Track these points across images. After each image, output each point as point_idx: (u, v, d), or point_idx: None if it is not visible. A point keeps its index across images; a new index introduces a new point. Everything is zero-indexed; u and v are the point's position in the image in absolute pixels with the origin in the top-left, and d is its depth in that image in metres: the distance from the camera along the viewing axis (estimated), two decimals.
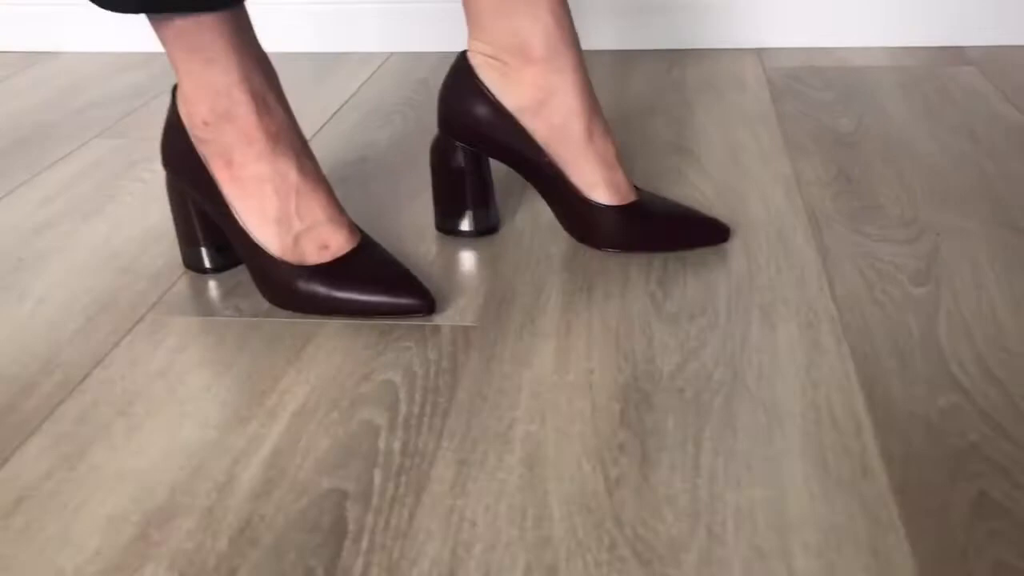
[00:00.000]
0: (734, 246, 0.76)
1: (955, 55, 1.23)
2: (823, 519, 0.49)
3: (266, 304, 0.71)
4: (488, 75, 0.72)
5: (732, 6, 1.28)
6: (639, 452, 0.54)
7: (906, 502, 0.49)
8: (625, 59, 1.29)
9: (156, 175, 0.97)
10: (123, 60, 1.39)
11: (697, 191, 0.87)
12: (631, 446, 0.54)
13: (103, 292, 0.74)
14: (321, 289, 0.68)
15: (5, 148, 1.07)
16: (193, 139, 0.70)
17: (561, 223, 0.77)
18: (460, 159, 0.76)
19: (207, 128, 0.68)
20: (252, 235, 0.69)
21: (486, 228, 0.80)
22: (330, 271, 0.69)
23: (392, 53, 1.37)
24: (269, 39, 1.33)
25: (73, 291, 0.75)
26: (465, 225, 0.79)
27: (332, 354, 0.65)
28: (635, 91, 1.16)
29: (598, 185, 0.73)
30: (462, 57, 0.73)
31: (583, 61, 0.71)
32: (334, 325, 0.68)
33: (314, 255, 0.69)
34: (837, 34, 1.28)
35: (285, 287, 0.69)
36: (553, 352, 0.64)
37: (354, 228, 0.71)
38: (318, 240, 0.69)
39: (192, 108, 0.68)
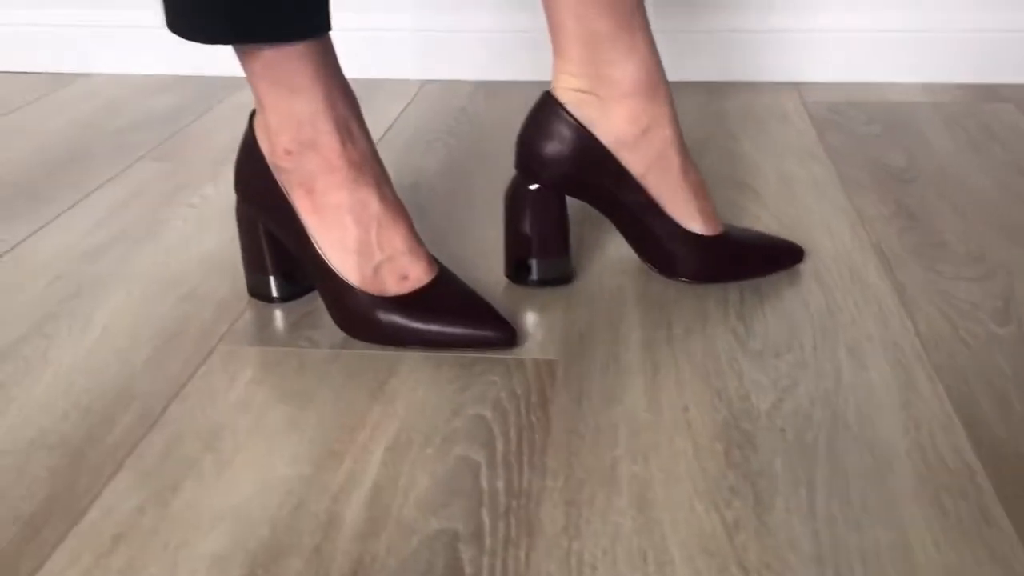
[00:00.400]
0: (808, 280, 0.76)
1: (989, 92, 1.24)
2: (952, 566, 0.48)
3: (340, 335, 0.70)
4: (583, 111, 0.69)
5: (769, 40, 1.29)
6: (751, 494, 0.53)
7: None
8: None
9: (206, 200, 0.95)
10: (154, 82, 1.38)
11: (761, 224, 0.86)
12: (742, 488, 0.53)
13: (169, 321, 0.73)
14: (401, 320, 0.67)
15: (47, 171, 1.05)
16: (272, 168, 0.68)
17: (643, 256, 0.76)
18: (544, 203, 0.73)
19: (290, 157, 0.67)
20: (331, 264, 0.68)
21: (566, 276, 0.77)
22: (410, 302, 0.68)
23: (426, 81, 1.36)
24: None
25: (137, 319, 0.73)
26: (548, 272, 0.76)
27: (416, 388, 0.63)
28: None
29: (695, 216, 0.73)
30: (548, 95, 0.70)
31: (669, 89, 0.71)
32: (413, 358, 0.67)
33: (394, 286, 0.68)
34: (873, 69, 1.29)
35: (364, 318, 0.68)
36: (643, 389, 0.63)
37: (432, 259, 0.70)
38: (398, 271, 0.68)
39: (275, 138, 0.67)
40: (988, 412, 0.59)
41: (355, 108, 0.68)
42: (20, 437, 0.60)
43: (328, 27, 0.65)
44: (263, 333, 0.71)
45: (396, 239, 0.68)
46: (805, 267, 0.78)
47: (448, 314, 0.68)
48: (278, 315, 0.74)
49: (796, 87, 1.28)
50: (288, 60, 0.64)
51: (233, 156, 0.72)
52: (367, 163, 0.68)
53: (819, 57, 1.29)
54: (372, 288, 0.68)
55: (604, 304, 0.74)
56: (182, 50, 1.39)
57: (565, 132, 0.69)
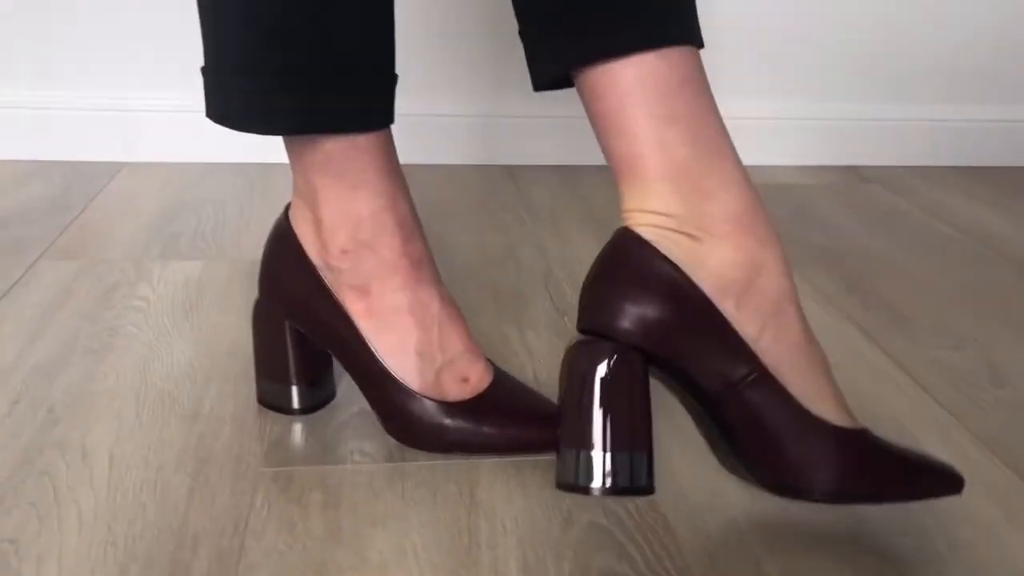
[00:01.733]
0: None
1: (854, 173, 1.38)
2: None
3: (393, 445, 0.64)
4: (674, 251, 0.52)
5: None
6: None
7: None
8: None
9: (150, 303, 0.85)
10: (11, 169, 1.23)
11: None
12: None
13: (184, 445, 0.64)
14: (470, 426, 0.63)
15: None
16: (320, 268, 0.63)
17: (750, 462, 0.54)
18: (630, 375, 0.53)
19: (345, 257, 0.62)
20: (391, 370, 0.63)
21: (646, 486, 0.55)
22: (477, 406, 0.64)
23: None
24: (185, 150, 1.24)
25: (146, 446, 0.64)
26: (621, 477, 0.53)
27: (511, 498, 0.60)
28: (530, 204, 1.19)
29: (825, 398, 0.54)
30: (627, 232, 0.53)
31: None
32: (486, 465, 0.63)
33: (455, 390, 0.64)
34: (756, 153, 1.39)
35: (430, 425, 0.63)
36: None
37: (487, 359, 0.67)
38: (459, 374, 0.64)
39: (329, 236, 0.61)
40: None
41: (412, 204, 0.64)
42: None
43: (392, 119, 0.61)
44: (309, 451, 0.64)
45: (456, 340, 0.64)
46: None
47: (517, 416, 0.64)
48: (310, 429, 0.67)
49: None
50: (353, 153, 0.60)
51: (151, 252, 0.65)
52: (425, 261, 0.64)
53: None
54: (434, 393, 0.63)
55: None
56: (29, 133, 1.25)
57: (659, 275, 0.52)
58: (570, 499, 0.60)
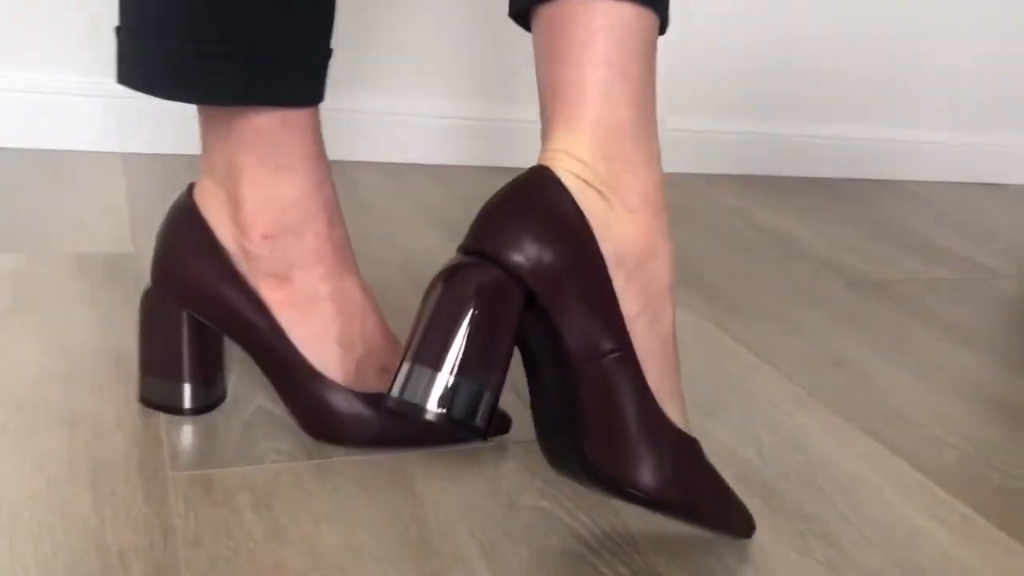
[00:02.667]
0: None
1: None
2: (967, 554, 0.59)
3: (309, 443, 0.61)
4: (587, 204, 0.48)
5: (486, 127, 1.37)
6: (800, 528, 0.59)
7: (1012, 534, 0.62)
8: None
9: None
10: None
11: None
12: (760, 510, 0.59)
13: (72, 453, 0.57)
14: (393, 417, 0.61)
15: None
16: (233, 254, 0.58)
17: (580, 436, 0.49)
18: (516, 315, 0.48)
19: (265, 242, 0.58)
20: (311, 361, 0.60)
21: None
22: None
23: (128, 153, 1.20)
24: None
25: (33, 456, 0.56)
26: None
27: (447, 488, 0.59)
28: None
29: (674, 399, 0.53)
30: (545, 171, 0.49)
31: None
32: (414, 458, 0.61)
33: (376, 381, 0.61)
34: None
35: (352, 417, 0.61)
36: None
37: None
38: (379, 363, 0.62)
39: (250, 220, 0.57)
40: (894, 434, 0.73)
41: (335, 188, 0.61)
42: None
43: (323, 96, 0.58)
44: (218, 453, 0.59)
45: (376, 330, 0.62)
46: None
47: None
48: (211, 430, 0.62)
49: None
50: (286, 132, 0.56)
51: None
52: (346, 248, 0.62)
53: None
54: (355, 384, 0.61)
55: None
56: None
57: (569, 221, 0.48)
58: (508, 484, 0.60)
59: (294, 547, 0.51)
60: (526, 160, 0.51)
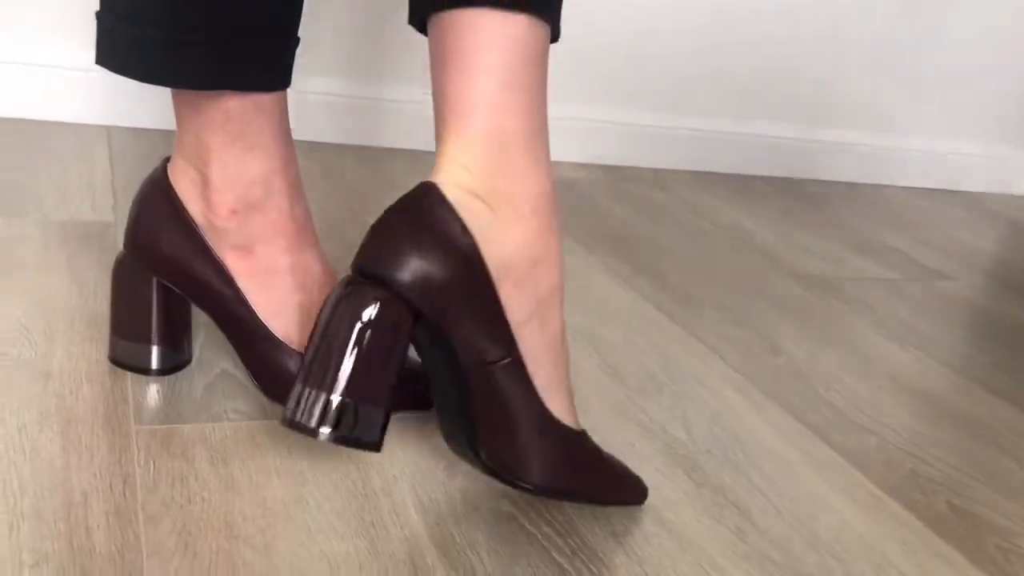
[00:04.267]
0: (611, 330, 0.90)
1: (622, 173, 1.52)
2: (879, 534, 0.64)
3: (265, 404, 0.66)
4: (471, 219, 0.50)
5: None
6: (735, 509, 0.64)
7: (925, 521, 0.67)
8: None
9: None
10: None
11: None
12: (727, 505, 0.64)
13: (45, 403, 0.61)
14: None
15: None
16: (201, 227, 0.63)
17: (474, 434, 0.54)
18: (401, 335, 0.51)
19: (232, 217, 0.62)
20: (271, 328, 0.64)
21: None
22: None
23: (115, 127, 1.24)
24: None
25: (10, 404, 0.60)
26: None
27: (393, 451, 0.63)
28: None
29: (562, 397, 0.56)
30: (430, 187, 0.51)
31: None
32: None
33: None
34: None
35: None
36: None
37: None
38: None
39: (217, 196, 0.62)
40: (814, 420, 0.78)
41: (298, 168, 0.66)
42: None
43: (289, 82, 0.63)
44: (180, 410, 0.63)
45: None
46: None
47: None
48: (175, 389, 0.66)
49: None
50: (253, 114, 0.60)
51: None
52: (308, 225, 0.66)
53: None
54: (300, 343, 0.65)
55: None
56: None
57: (452, 239, 0.50)
58: (449, 452, 0.64)
59: (245, 496, 0.56)
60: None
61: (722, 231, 1.30)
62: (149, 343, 0.66)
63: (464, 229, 0.50)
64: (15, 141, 1.13)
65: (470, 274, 0.50)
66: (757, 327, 0.96)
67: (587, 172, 1.48)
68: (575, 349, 0.81)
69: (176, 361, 0.68)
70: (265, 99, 0.60)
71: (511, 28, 0.51)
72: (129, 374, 0.66)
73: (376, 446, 0.50)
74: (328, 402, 0.49)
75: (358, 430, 0.50)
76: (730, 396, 0.80)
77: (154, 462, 0.57)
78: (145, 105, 1.24)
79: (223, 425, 0.63)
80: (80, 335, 0.70)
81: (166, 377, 0.67)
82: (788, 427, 0.76)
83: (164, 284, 0.65)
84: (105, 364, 0.67)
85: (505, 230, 0.52)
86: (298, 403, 0.49)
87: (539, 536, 0.57)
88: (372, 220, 0.52)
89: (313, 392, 0.49)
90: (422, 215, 0.50)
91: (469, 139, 0.51)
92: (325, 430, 0.49)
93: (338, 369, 0.49)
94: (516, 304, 0.53)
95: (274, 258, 0.64)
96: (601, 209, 1.29)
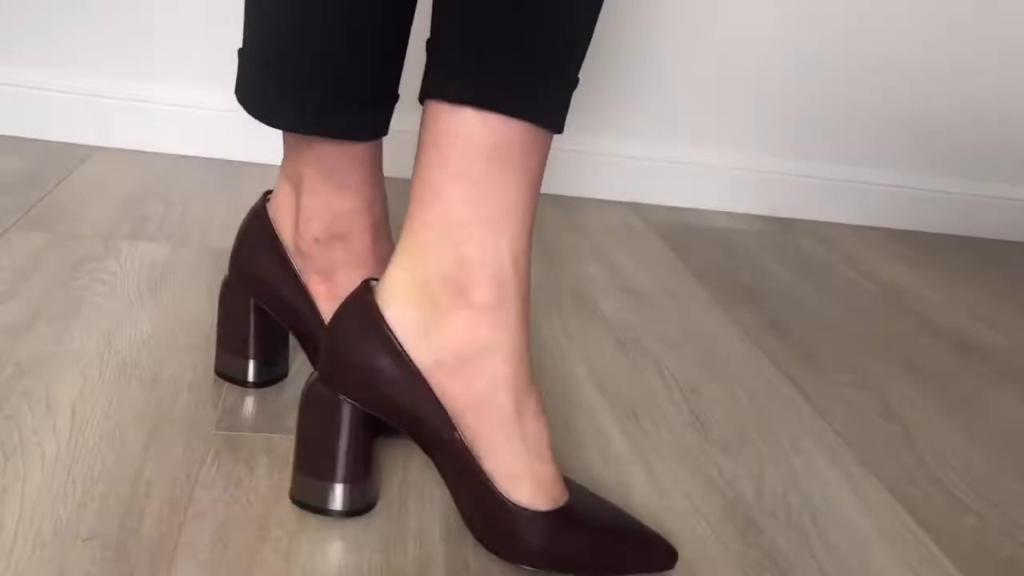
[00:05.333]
0: (728, 380, 0.87)
1: (784, 224, 1.47)
2: None
3: None
4: (402, 322, 0.55)
5: (608, 163, 1.44)
6: (776, 569, 0.61)
7: None
8: None
9: (116, 278, 0.90)
10: None
11: (660, 342, 0.97)
12: (766, 563, 0.62)
13: (143, 406, 0.69)
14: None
15: None
16: (290, 251, 0.69)
17: (467, 523, 0.58)
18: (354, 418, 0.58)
19: (316, 245, 0.68)
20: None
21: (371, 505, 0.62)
22: None
23: None
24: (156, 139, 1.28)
25: (106, 403, 0.69)
26: (355, 503, 0.61)
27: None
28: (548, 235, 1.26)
29: (521, 480, 0.56)
30: (366, 289, 0.57)
31: (529, 317, 0.57)
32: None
33: None
34: (693, 196, 1.48)
35: None
36: None
37: None
38: None
39: (304, 223, 0.68)
40: (917, 491, 0.73)
41: (386, 209, 0.70)
42: (43, 532, 0.55)
43: (386, 132, 0.67)
44: (258, 420, 0.70)
45: None
46: (723, 370, 0.90)
47: None
48: (262, 401, 0.72)
49: (633, 207, 1.44)
50: (344, 158, 0.66)
51: (120, 231, 0.71)
52: (388, 261, 0.70)
53: (654, 183, 1.46)
54: None
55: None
56: (11, 111, 1.29)
57: (377, 344, 0.55)
58: None
59: (287, 504, 0.60)
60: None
61: (878, 288, 1.23)
62: (246, 357, 0.73)
63: (387, 332, 0.55)
64: (206, 177, 1.27)
65: (397, 375, 0.55)
66: (878, 391, 0.91)
67: (750, 223, 1.45)
68: (676, 403, 0.81)
69: (271, 375, 0.75)
70: (358, 146, 0.66)
71: (469, 125, 0.52)
72: (227, 385, 0.74)
73: (369, 509, 0.61)
74: (333, 489, 0.59)
75: (355, 504, 0.60)
76: (818, 458, 0.76)
77: (218, 465, 0.63)
78: None
79: (290, 437, 0.68)
80: (196, 348, 0.78)
81: (260, 389, 0.74)
82: (876, 498, 0.71)
83: (260, 304, 0.71)
84: (209, 375, 0.75)
85: (440, 321, 0.55)
86: (308, 489, 0.60)
87: None
88: None
89: (318, 481, 0.60)
90: (354, 322, 0.57)
91: (413, 230, 0.55)
92: (337, 508, 0.60)
93: (335, 461, 0.59)
94: (451, 393, 0.55)
95: (352, 284, 0.69)
96: (750, 260, 1.26)
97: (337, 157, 0.66)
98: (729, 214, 1.48)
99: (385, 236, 0.70)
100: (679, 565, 0.59)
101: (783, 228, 1.45)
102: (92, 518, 0.56)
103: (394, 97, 0.67)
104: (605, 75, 1.40)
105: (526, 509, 0.55)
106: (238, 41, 0.65)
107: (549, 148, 0.55)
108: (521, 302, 0.55)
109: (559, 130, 0.55)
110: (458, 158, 0.53)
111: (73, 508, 0.57)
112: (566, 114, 0.55)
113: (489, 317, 0.54)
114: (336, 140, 0.65)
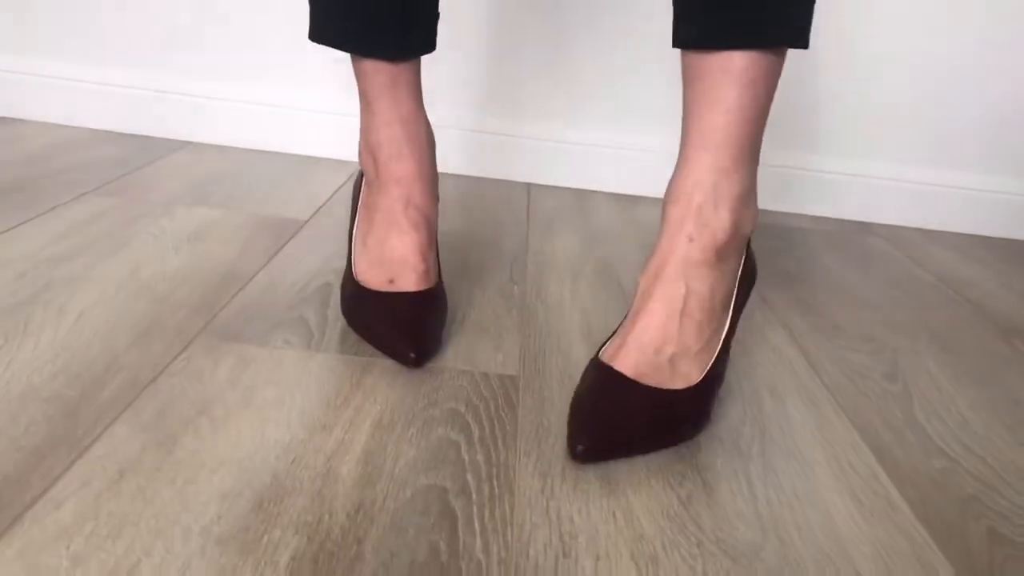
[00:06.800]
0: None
1: (863, 228, 1.43)
2: (869, 535, 0.56)
3: (315, 340, 0.75)
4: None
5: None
6: (699, 479, 0.61)
7: (931, 530, 0.58)
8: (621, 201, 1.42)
9: (165, 232, 0.99)
10: (90, 135, 1.41)
11: None
12: (691, 474, 0.61)
13: (144, 315, 0.76)
14: (357, 310, 0.75)
15: None
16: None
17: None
18: None
19: (360, 156, 0.79)
20: (352, 249, 0.76)
21: None
22: (370, 300, 0.75)
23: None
24: (244, 137, 1.37)
25: (112, 311, 0.76)
26: None
27: (393, 384, 0.69)
28: (600, 227, 1.28)
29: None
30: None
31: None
32: (387, 363, 0.72)
33: (376, 284, 0.75)
34: (774, 200, 1.46)
35: (345, 298, 0.77)
36: None
37: (429, 276, 0.76)
38: (387, 274, 0.75)
39: (360, 137, 0.79)
40: (886, 440, 0.70)
41: (417, 136, 0.77)
42: (10, 390, 0.61)
43: (432, 47, 0.78)
44: (243, 333, 0.75)
45: (400, 249, 0.75)
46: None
47: (388, 324, 0.74)
48: (258, 318, 0.78)
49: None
50: (370, 74, 0.77)
51: (183, 200, 0.78)
52: (407, 180, 0.76)
53: None
54: (361, 278, 0.76)
55: (554, 332, 0.82)
56: (117, 108, 1.44)
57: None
58: (444, 392, 0.69)
59: (238, 392, 0.65)
60: None
61: (940, 283, 1.17)
62: None
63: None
64: (280, 167, 1.37)
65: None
66: (891, 357, 0.87)
67: (818, 223, 1.41)
68: None
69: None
70: (396, 68, 0.76)
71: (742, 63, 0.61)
72: (225, 297, 0.80)
73: None
74: None
75: None
76: (794, 404, 0.74)
77: (188, 361, 0.69)
78: None
79: (267, 349, 0.73)
80: (212, 281, 0.85)
81: (259, 301, 0.79)
82: (839, 437, 0.69)
83: None
84: (209, 303, 0.81)
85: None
86: None
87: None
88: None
89: None
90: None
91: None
92: None
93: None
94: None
95: (372, 195, 0.79)
96: (806, 252, 1.23)
97: (370, 74, 0.77)
98: (802, 215, 1.45)
99: (407, 156, 0.78)
100: (596, 471, 0.60)
101: (856, 230, 1.41)
102: (59, 385, 0.63)
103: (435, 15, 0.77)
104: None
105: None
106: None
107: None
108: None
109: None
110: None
111: (45, 377, 0.64)
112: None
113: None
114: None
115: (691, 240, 0.64)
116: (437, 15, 0.77)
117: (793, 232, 1.34)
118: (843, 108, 1.44)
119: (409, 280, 0.75)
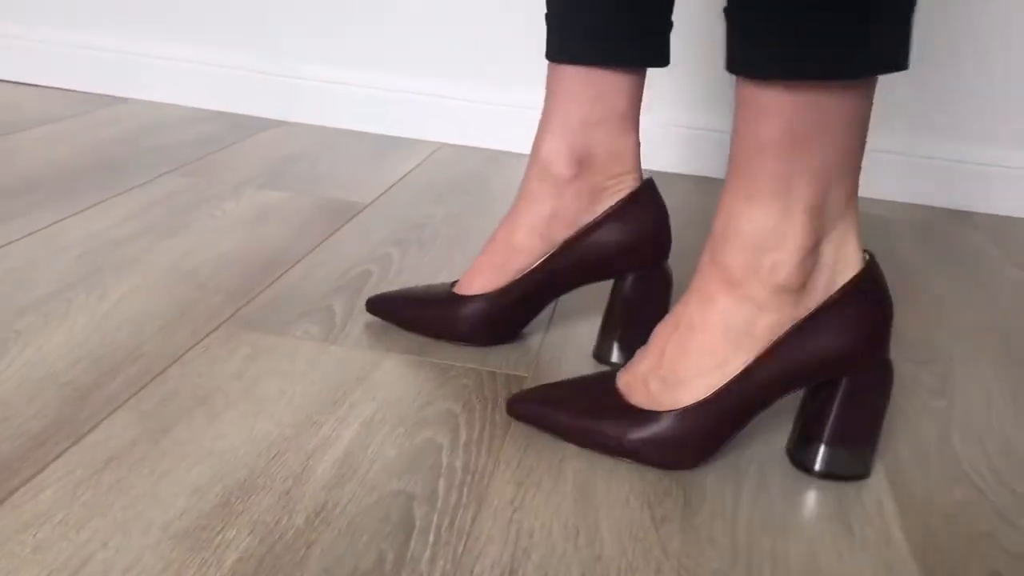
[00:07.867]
0: None
1: (964, 219, 1.33)
2: (850, 571, 0.53)
3: (334, 331, 0.76)
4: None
5: None
6: (682, 498, 0.59)
7: (925, 570, 0.54)
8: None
9: (226, 213, 1.03)
10: (191, 113, 1.48)
11: None
12: (674, 491, 0.59)
13: (180, 302, 0.80)
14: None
15: (80, 172, 1.13)
16: None
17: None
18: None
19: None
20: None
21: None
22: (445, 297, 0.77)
23: (442, 144, 1.46)
24: (336, 116, 1.41)
25: (151, 297, 0.80)
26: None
27: (397, 381, 0.70)
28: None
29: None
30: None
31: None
32: (398, 358, 0.73)
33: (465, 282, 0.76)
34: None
35: None
36: None
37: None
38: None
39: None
40: (907, 465, 0.65)
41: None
42: (33, 373, 0.66)
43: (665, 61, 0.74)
44: (266, 322, 0.78)
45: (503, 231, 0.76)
46: None
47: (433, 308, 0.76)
48: (282, 309, 0.80)
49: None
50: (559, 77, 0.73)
51: (255, 181, 0.80)
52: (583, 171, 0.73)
53: None
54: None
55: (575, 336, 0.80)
56: (218, 87, 1.49)
57: None
58: (444, 391, 0.69)
59: (242, 383, 0.67)
60: None
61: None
62: None
63: None
64: (362, 148, 1.39)
65: None
66: (946, 370, 0.81)
67: (908, 212, 1.33)
68: None
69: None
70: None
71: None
72: (256, 291, 0.82)
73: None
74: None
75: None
76: None
77: (206, 350, 0.72)
78: (468, 124, 1.44)
79: (285, 338, 0.75)
80: (258, 265, 0.88)
81: (291, 301, 0.82)
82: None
83: None
84: (248, 288, 0.84)
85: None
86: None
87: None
88: None
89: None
90: None
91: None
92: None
93: None
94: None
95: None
96: (887, 246, 1.16)
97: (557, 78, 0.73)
98: (894, 203, 1.37)
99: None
100: (575, 480, 0.59)
101: (955, 220, 1.32)
102: (78, 371, 0.67)
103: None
104: None
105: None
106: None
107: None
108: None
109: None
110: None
111: (68, 362, 0.68)
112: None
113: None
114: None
115: (705, 264, 0.61)
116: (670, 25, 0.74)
117: (872, 220, 1.27)
118: (944, 88, 1.34)
119: (478, 285, 0.76)
